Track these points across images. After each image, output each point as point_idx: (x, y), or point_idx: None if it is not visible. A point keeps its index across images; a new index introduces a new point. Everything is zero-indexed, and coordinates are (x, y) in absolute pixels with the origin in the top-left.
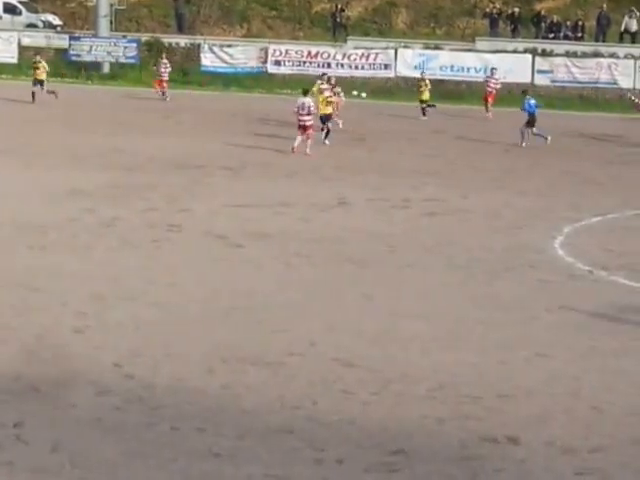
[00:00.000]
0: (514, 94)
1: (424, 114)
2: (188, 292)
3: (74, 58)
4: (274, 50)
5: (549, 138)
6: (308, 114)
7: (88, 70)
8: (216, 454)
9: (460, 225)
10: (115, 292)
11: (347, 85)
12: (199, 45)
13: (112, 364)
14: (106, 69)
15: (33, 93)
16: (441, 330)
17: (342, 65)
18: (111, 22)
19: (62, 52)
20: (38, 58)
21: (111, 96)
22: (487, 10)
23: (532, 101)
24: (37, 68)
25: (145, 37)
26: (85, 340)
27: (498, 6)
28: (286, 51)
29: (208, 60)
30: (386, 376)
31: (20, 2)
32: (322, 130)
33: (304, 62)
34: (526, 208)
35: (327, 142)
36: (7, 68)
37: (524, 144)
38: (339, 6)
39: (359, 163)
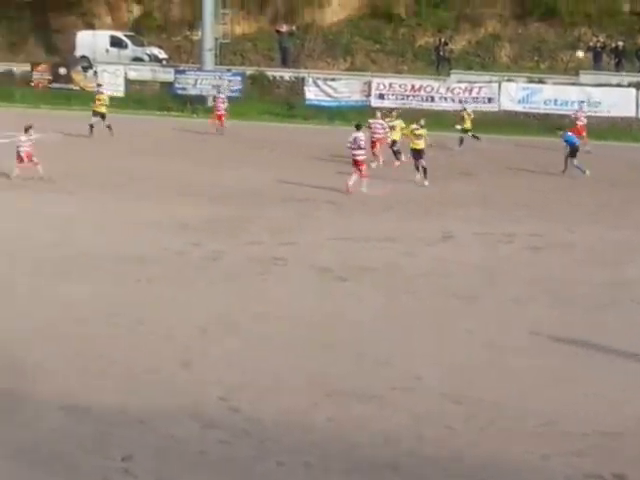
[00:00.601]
0: (618, 128)
1: (460, 143)
2: (293, 325)
3: (179, 91)
4: (378, 83)
5: (587, 172)
6: (359, 148)
7: (193, 103)
8: None
9: (563, 259)
10: (220, 325)
11: (450, 119)
12: (303, 78)
13: (217, 397)
14: (211, 102)
15: (91, 126)
16: (547, 365)
17: (445, 98)
18: (216, 55)
19: (168, 85)
20: (101, 89)
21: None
22: (590, 44)
23: (569, 133)
24: (99, 100)
25: (250, 70)
26: (190, 373)
27: (602, 40)
28: (390, 84)
29: (312, 93)
30: (492, 411)
31: (126, 36)
32: (416, 169)
33: (407, 95)
34: (625, 242)
35: (426, 183)
36: (113, 101)
37: (565, 172)
38: (442, 40)
39: (461, 196)
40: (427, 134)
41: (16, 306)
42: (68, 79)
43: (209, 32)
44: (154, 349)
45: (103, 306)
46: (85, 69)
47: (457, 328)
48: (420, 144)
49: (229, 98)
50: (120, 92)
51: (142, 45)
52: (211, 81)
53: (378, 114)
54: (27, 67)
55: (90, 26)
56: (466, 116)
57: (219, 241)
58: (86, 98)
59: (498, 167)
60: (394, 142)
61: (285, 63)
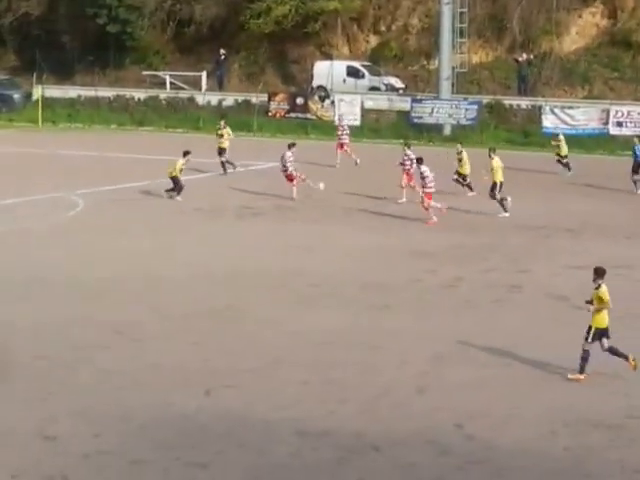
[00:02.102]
0: None
1: (568, 169)
2: (529, 353)
3: (416, 120)
4: (616, 111)
5: None
6: None
7: (429, 132)
8: None
9: None
10: (456, 352)
11: None
12: (540, 107)
13: (453, 424)
14: (447, 131)
15: (222, 163)
16: None
17: None
18: (453, 84)
19: (404, 114)
20: (222, 124)
21: (451, 158)
22: None
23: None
24: (221, 135)
25: (486, 99)
26: (426, 400)
27: None
28: (628, 112)
29: (549, 121)
30: None
31: (363, 66)
32: None
33: None
34: None
35: None
36: (350, 130)
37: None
38: None
39: None
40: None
41: (253, 334)
42: (305, 108)
43: (446, 61)
44: (389, 375)
45: (341, 331)
46: (322, 99)
47: None
48: None
49: (464, 127)
50: (357, 121)
51: (379, 75)
52: (447, 110)
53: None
54: (265, 97)
55: (327, 56)
56: (560, 142)
57: (455, 268)
58: (323, 127)
59: None
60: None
61: (522, 91)
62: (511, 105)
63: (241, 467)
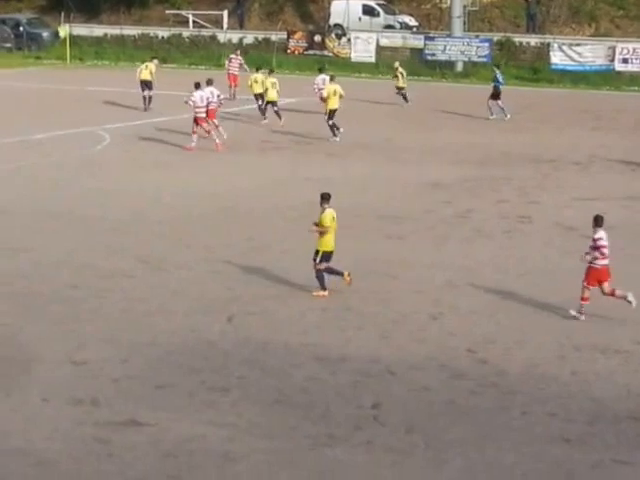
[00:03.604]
0: None
1: (406, 100)
2: (537, 282)
3: (429, 57)
4: (622, 48)
5: None
6: None
7: (442, 69)
8: (566, 439)
9: None
10: (468, 281)
11: None
12: (549, 44)
13: (466, 350)
14: (459, 68)
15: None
16: None
17: None
18: (464, 22)
19: (418, 52)
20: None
21: (464, 93)
22: None
23: None
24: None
25: (497, 37)
26: (439, 326)
27: None
28: (633, 49)
29: (557, 58)
30: None
31: (378, 4)
32: None
33: None
34: None
35: None
36: (366, 67)
37: None
38: None
39: None
40: None
41: (274, 263)
42: (322, 46)
43: (458, 0)
44: (404, 303)
45: (358, 261)
46: (339, 36)
47: None
48: None
49: (476, 63)
50: (372, 58)
51: (393, 13)
52: (459, 47)
53: None
54: (284, 35)
55: None
56: (399, 75)
57: (468, 200)
58: (339, 64)
59: None
60: None
61: (531, 29)
62: (520, 43)
63: (262, 391)
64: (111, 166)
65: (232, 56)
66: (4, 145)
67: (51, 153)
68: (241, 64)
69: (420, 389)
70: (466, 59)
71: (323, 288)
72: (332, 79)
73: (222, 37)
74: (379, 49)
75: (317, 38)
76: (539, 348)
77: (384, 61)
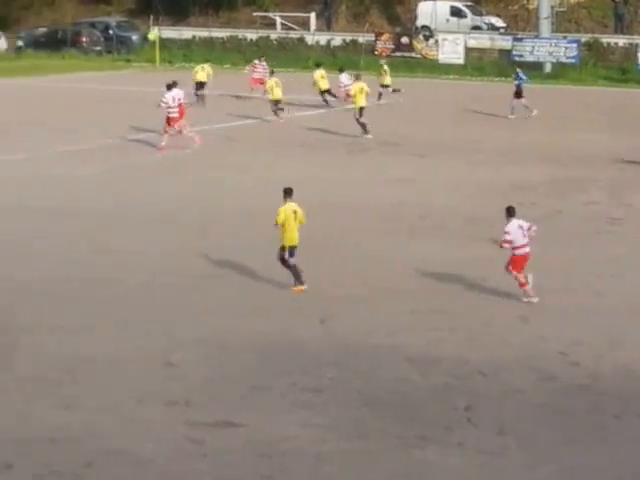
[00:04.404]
0: None
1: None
2: (631, 283)
3: (517, 58)
4: None
5: None
6: None
7: (530, 70)
8: None
9: None
10: (559, 282)
11: None
12: (637, 45)
13: (557, 352)
14: (547, 69)
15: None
16: None
17: None
18: (552, 23)
19: (506, 53)
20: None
21: (551, 95)
22: None
23: None
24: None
25: (584, 37)
26: (530, 328)
27: None
28: None
29: None
30: None
31: (466, 6)
32: None
33: None
34: None
35: None
36: (454, 69)
37: None
38: None
39: None
40: None
41: (364, 264)
42: (410, 48)
43: (546, 1)
44: (493, 304)
45: (450, 263)
46: (426, 38)
47: None
48: None
49: (564, 65)
50: (460, 60)
51: (480, 14)
52: (547, 48)
53: None
54: (371, 37)
55: None
56: (383, 73)
57: (555, 201)
58: (427, 65)
59: None
60: None
61: (619, 30)
62: (608, 43)
63: (353, 392)
64: (201, 167)
65: (256, 61)
66: (100, 146)
67: (139, 154)
68: (265, 70)
69: (512, 391)
70: (554, 60)
71: (300, 282)
72: (357, 78)
73: (310, 39)
74: (467, 50)
75: (404, 40)
76: (633, 350)
77: (472, 63)
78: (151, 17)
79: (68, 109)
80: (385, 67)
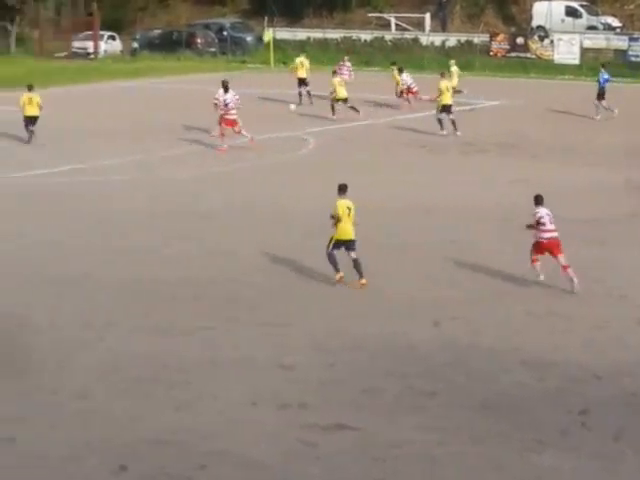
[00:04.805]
0: None
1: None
2: None
3: (633, 59)
4: None
5: None
6: None
7: None
8: None
9: None
10: None
11: None
12: None
13: None
14: None
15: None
16: None
17: None
18: None
19: (621, 53)
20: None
21: None
22: None
23: None
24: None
25: None
26: None
27: None
28: None
29: None
30: None
31: (581, 5)
32: None
33: None
34: None
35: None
36: (569, 69)
37: None
38: None
39: None
40: None
41: (478, 267)
42: (525, 48)
43: None
44: (610, 307)
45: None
46: (541, 38)
47: None
48: None
49: None
50: (575, 60)
51: (596, 14)
52: None
53: None
54: (486, 37)
55: None
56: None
57: None
58: (542, 66)
59: None
60: None
61: None
62: None
63: (468, 396)
64: (316, 168)
65: (346, 59)
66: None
67: (258, 156)
68: (350, 71)
69: (628, 395)
70: None
71: (337, 270)
72: (443, 76)
73: (424, 40)
74: (582, 51)
75: (519, 40)
76: None
77: (587, 63)
78: (265, 18)
79: (192, 110)
80: (453, 68)
